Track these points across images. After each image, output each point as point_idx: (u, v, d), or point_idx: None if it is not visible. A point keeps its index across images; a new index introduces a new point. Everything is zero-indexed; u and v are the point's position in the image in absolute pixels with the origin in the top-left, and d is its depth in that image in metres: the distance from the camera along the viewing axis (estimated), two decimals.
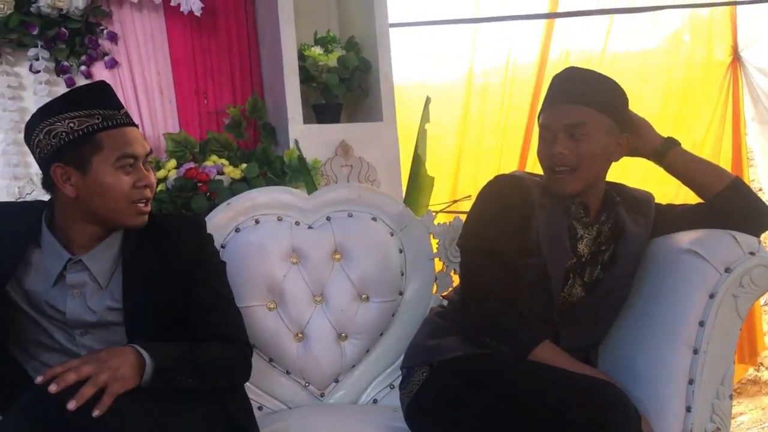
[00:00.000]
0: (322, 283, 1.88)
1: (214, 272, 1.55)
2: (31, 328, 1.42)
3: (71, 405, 1.13)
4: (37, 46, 2.63)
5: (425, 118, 2.75)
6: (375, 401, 1.88)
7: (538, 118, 1.57)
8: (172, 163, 2.65)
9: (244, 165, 2.64)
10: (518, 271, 1.49)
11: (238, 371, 1.50)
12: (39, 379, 1.18)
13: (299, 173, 2.68)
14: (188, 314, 1.47)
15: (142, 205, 1.41)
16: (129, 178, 1.39)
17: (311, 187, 2.60)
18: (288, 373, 1.86)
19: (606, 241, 1.56)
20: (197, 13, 2.72)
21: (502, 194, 1.53)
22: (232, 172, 2.62)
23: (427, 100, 2.75)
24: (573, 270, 1.53)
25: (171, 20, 2.83)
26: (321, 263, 1.88)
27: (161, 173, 2.63)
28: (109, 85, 1.48)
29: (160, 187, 2.59)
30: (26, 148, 2.65)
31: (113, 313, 1.43)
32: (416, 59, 3.52)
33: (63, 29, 2.62)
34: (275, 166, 2.69)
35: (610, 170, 1.57)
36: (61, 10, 2.57)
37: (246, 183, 2.59)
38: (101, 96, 1.42)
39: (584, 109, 1.48)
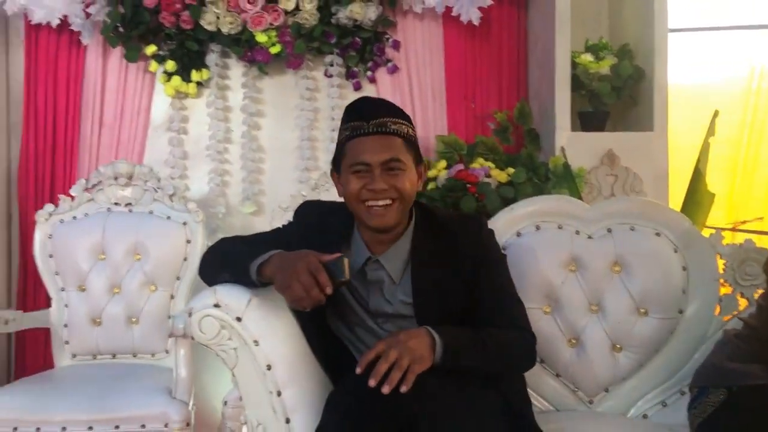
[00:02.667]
0: (599, 293, 1.91)
1: (497, 266, 1.65)
2: (348, 309, 1.64)
3: (385, 389, 1.29)
4: (333, 53, 2.96)
5: (711, 131, 2.63)
6: (645, 416, 1.87)
7: None
8: (443, 163, 2.82)
9: (510, 169, 2.74)
10: None
11: (523, 357, 1.58)
12: (358, 371, 1.35)
13: (564, 180, 2.71)
14: (474, 307, 1.58)
15: (374, 207, 1.53)
16: (360, 182, 1.52)
17: (575, 195, 2.62)
18: (558, 376, 1.92)
19: None
20: (475, 23, 2.87)
21: None
22: (499, 176, 2.73)
23: (715, 114, 2.63)
24: None
25: (448, 29, 3.01)
26: (599, 273, 1.91)
27: (432, 173, 2.81)
28: (367, 99, 1.67)
29: (430, 186, 2.77)
30: (318, 144, 3.04)
31: (407, 307, 1.59)
32: (686, 62, 3.36)
33: (357, 38, 2.91)
34: (540, 172, 2.74)
35: None
36: (356, 21, 2.86)
37: (512, 187, 2.68)
38: (356, 110, 1.58)
39: None
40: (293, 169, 3.04)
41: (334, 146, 2.89)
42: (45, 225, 2.47)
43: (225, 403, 2.19)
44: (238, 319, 1.45)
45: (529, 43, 3.06)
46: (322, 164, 3.01)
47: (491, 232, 1.68)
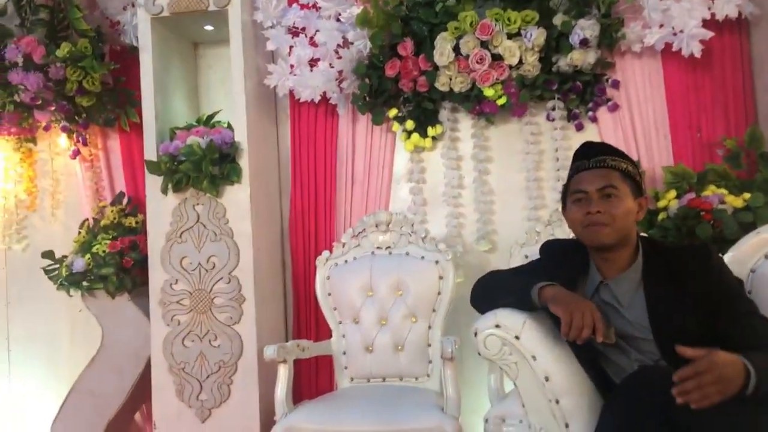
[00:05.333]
0: None
1: (734, 292, 1.74)
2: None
3: (679, 400, 1.40)
4: (554, 98, 3.18)
5: None
6: None
7: None
8: (672, 193, 2.90)
9: (746, 194, 2.75)
10: None
11: None
12: (675, 378, 1.43)
13: None
14: (718, 334, 1.66)
15: (593, 228, 1.75)
16: (580, 209, 1.78)
17: None
18: None
19: None
20: (697, 55, 2.95)
21: None
22: (734, 201, 2.75)
23: None
24: None
25: (667, 63, 3.12)
26: None
27: (662, 203, 2.90)
28: (589, 143, 1.90)
29: (661, 216, 2.86)
30: (544, 183, 3.26)
31: (638, 329, 1.75)
32: None
33: (577, 83, 3.12)
34: None
35: None
36: (576, 66, 3.07)
37: (750, 212, 2.69)
38: (580, 152, 1.87)
39: None
40: (522, 208, 3.28)
41: (559, 185, 3.15)
42: (323, 268, 2.95)
43: (486, 420, 2.44)
44: (517, 338, 1.71)
45: (755, 68, 3.07)
46: (549, 202, 3.23)
47: (720, 260, 1.79)
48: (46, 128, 3.61)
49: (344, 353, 2.85)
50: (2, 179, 3.78)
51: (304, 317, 3.37)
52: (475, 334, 1.74)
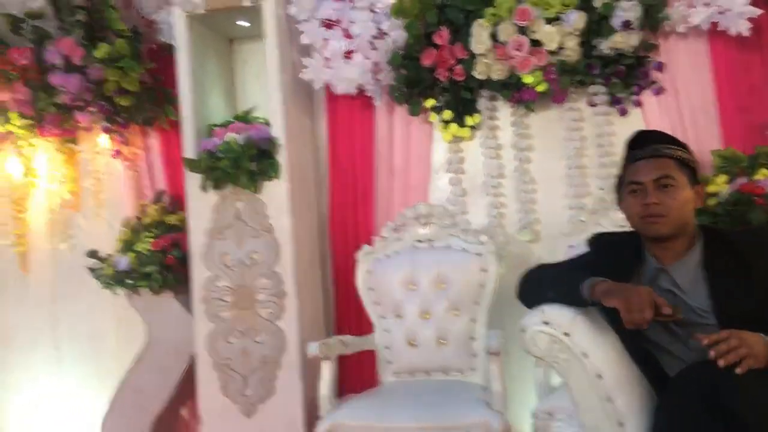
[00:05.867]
0: None
1: None
2: (657, 326, 1.76)
3: (721, 362, 1.44)
4: (596, 83, 3.09)
5: None
6: None
7: None
8: (722, 178, 2.80)
9: None
10: None
11: None
12: (705, 342, 1.49)
13: None
14: None
15: (650, 219, 1.72)
16: (636, 200, 1.74)
17: None
18: None
19: None
20: (745, 34, 2.83)
21: None
22: None
23: None
24: None
25: (714, 43, 3.00)
26: None
27: (712, 188, 2.80)
28: (643, 131, 1.86)
29: (712, 201, 2.77)
30: (587, 171, 3.17)
31: (699, 314, 1.69)
32: None
33: (620, 66, 3.02)
34: None
35: None
36: (619, 50, 2.97)
37: None
38: (633, 142, 1.82)
39: None
40: (564, 196, 3.20)
41: (603, 172, 3.07)
42: (364, 263, 2.93)
43: (534, 415, 2.40)
44: (566, 334, 1.66)
45: None
46: (593, 190, 3.14)
47: None
48: (87, 129, 3.64)
49: (387, 348, 2.83)
50: (46, 180, 3.84)
51: (346, 311, 3.36)
52: (523, 331, 1.70)
